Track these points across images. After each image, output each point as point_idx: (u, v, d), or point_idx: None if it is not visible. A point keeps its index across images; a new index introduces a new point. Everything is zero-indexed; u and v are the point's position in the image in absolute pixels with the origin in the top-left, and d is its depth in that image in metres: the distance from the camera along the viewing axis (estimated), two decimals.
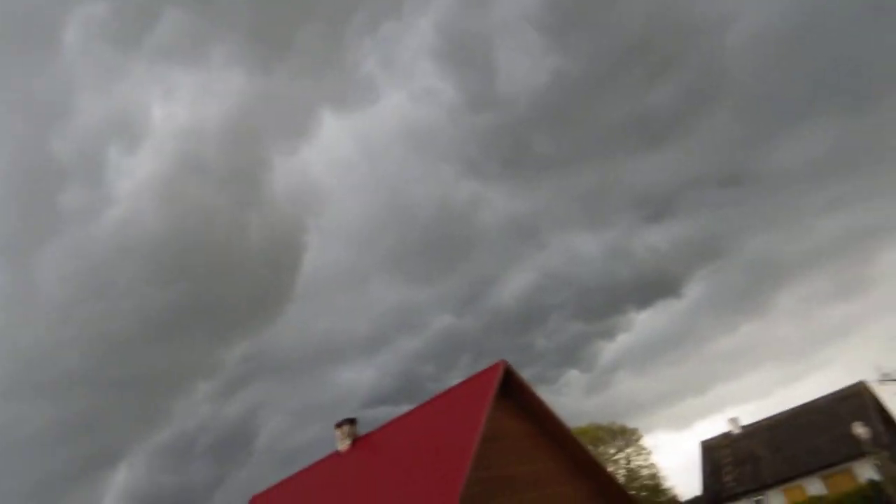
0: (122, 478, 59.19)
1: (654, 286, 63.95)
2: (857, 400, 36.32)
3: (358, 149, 68.16)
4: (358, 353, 66.98)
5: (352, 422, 25.90)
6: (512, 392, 22.58)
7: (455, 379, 58.58)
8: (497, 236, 65.60)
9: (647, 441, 50.28)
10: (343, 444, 25.64)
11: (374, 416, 55.93)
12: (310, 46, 65.16)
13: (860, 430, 31.49)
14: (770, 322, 66.38)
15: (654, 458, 49.21)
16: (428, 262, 66.30)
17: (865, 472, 32.83)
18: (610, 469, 34.10)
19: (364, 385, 61.92)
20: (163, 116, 64.82)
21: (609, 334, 72.52)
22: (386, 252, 66.71)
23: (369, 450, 24.82)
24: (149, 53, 64.07)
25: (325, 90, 69.67)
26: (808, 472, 35.07)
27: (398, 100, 68.62)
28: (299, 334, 66.03)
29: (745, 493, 36.95)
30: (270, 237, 63.12)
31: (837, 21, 55.16)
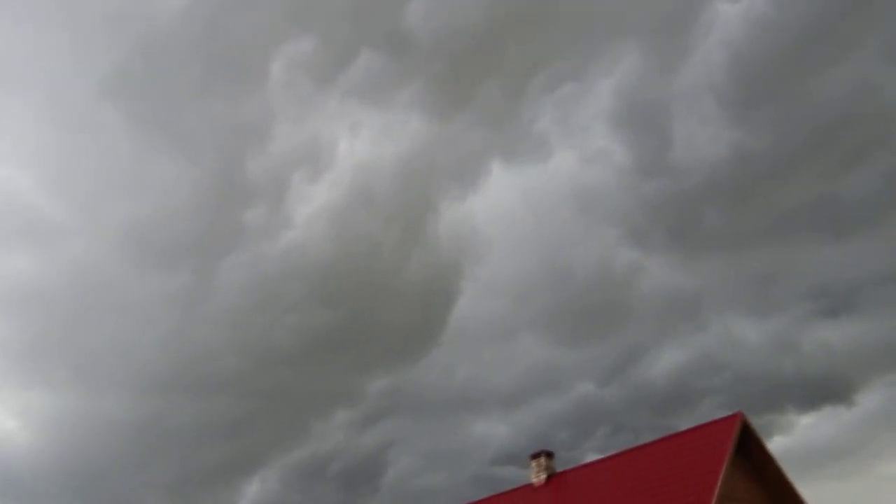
0: (254, 488, 59.56)
1: (822, 389, 58.86)
2: None
3: (523, 203, 67.65)
4: (495, 406, 65.39)
5: (549, 455, 24.28)
6: (746, 449, 20.39)
7: (589, 451, 56.00)
8: (654, 309, 62.78)
9: None
10: (538, 478, 24.01)
11: (501, 475, 53.93)
12: (490, 99, 65.72)
13: None
14: None
15: None
16: (579, 325, 64.22)
17: None
18: None
19: (496, 440, 60.05)
20: (345, 151, 66.89)
21: (764, 432, 67.42)
22: (538, 310, 65.21)
23: (568, 487, 23.08)
24: (342, 90, 66.59)
25: (498, 142, 69.92)
26: None
27: (569, 159, 67.82)
28: (441, 378, 65.24)
29: None
30: (428, 277, 63.15)
31: None
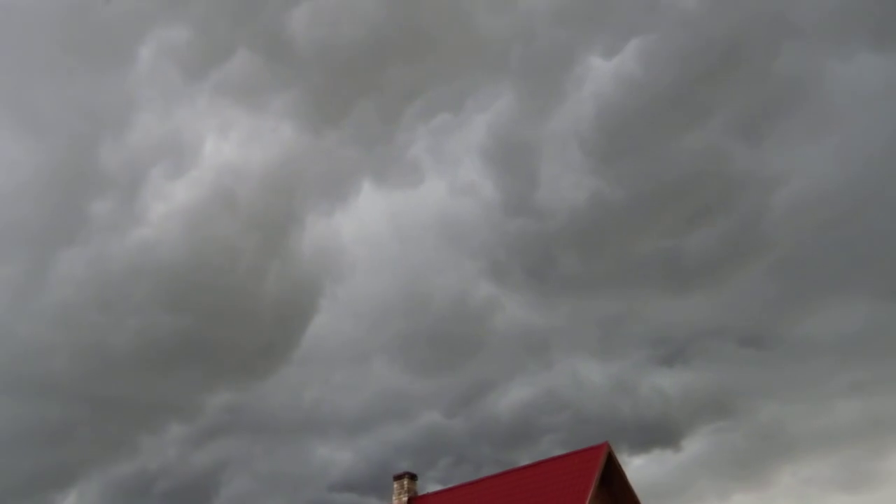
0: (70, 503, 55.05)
1: (654, 432, 62.05)
2: None
3: (390, 227, 67.53)
4: (340, 431, 64.11)
5: (413, 477, 23.89)
6: (608, 479, 20.90)
7: (430, 481, 56.05)
8: (505, 344, 64.08)
9: None
10: (399, 500, 23.53)
11: (340, 502, 52.95)
12: (365, 118, 65.41)
13: None
14: (765, 498, 64.27)
15: None
16: (431, 354, 64.47)
17: None
18: None
19: (338, 466, 58.80)
20: (211, 150, 64.39)
21: None
22: (392, 335, 64.88)
23: None
24: (213, 87, 64.22)
25: (370, 163, 69.64)
26: None
27: (439, 188, 68.54)
28: (287, 398, 63.22)
29: None
30: (285, 292, 61.34)
31: (887, 204, 56.21)
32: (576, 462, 20.77)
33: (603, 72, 62.18)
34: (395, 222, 66.37)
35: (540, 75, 64.78)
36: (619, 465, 20.97)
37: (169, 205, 61.60)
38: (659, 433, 63.51)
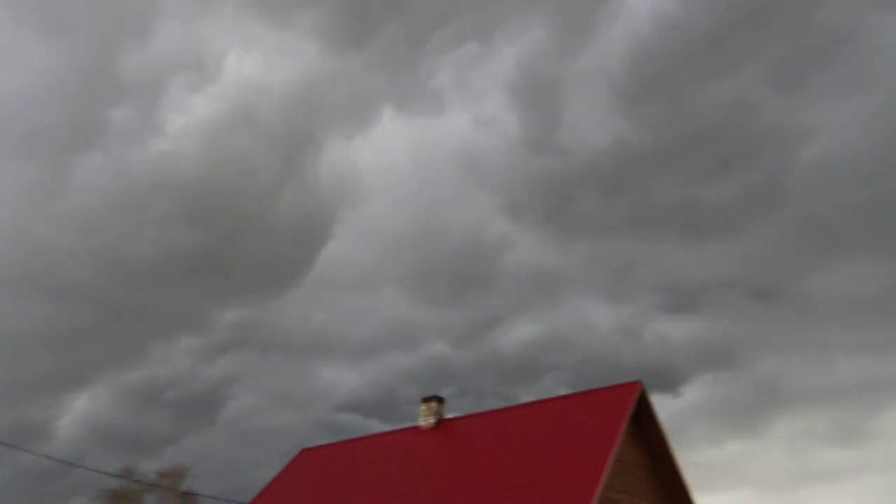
0: (81, 404, 56.08)
1: (655, 377, 62.78)
2: None
3: (409, 156, 66.99)
4: (347, 355, 64.83)
5: (440, 400, 24.22)
6: (637, 418, 21.15)
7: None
8: (516, 281, 64.34)
9: None
10: (426, 421, 23.90)
11: (344, 422, 53.92)
12: (391, 43, 64.28)
13: None
14: (760, 447, 65.37)
15: None
16: (442, 286, 64.74)
17: None
18: None
19: (343, 388, 59.68)
20: (233, 65, 63.39)
21: None
22: (405, 265, 65.06)
23: (457, 433, 23.12)
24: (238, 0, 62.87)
25: (393, 90, 68.70)
26: None
27: (461, 121, 67.78)
28: (298, 319, 63.77)
29: None
30: (301, 213, 61.31)
31: None
32: (608, 398, 20.97)
33: (638, 9, 60.83)
34: (415, 152, 65.96)
35: (571, 9, 63.41)
36: (650, 405, 21.19)
37: (188, 118, 61.15)
38: (659, 379, 64.10)
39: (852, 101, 58.13)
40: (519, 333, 61.93)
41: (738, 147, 58.10)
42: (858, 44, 57.47)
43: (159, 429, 57.05)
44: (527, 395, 65.07)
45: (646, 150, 59.67)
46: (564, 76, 62.52)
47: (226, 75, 63.18)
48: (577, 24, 62.82)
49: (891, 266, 57.10)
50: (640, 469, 21.02)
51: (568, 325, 62.56)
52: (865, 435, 62.13)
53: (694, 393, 59.90)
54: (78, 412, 55.64)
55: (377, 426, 52.39)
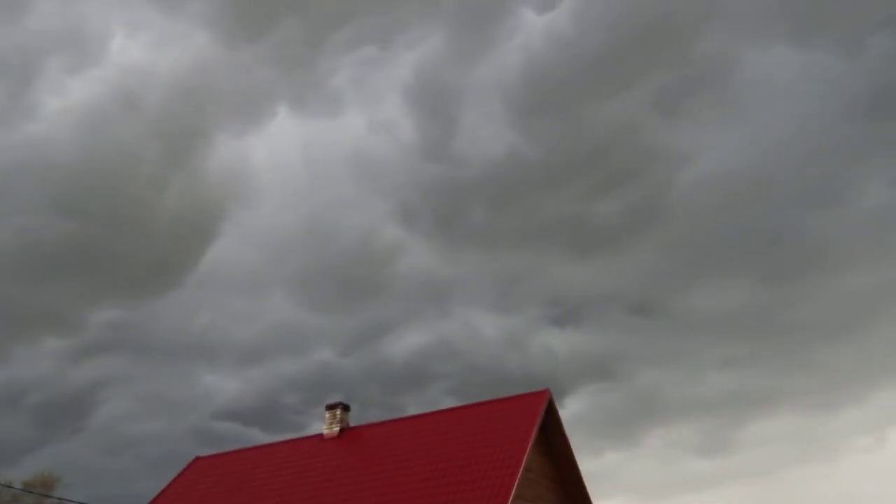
0: None
1: (539, 387, 63.94)
2: None
3: (303, 156, 65.76)
4: (230, 360, 62.78)
5: (346, 407, 23.70)
6: (546, 426, 21.40)
7: (316, 418, 56.01)
8: (406, 289, 64.31)
9: None
10: (330, 430, 23.31)
11: (222, 430, 52.32)
12: (289, 38, 63.05)
13: None
14: (634, 457, 68.11)
15: None
16: (331, 292, 63.77)
17: None
18: None
19: (223, 395, 57.75)
20: (117, 48, 60.39)
21: None
22: (294, 268, 63.65)
23: (362, 442, 22.68)
24: None
25: (288, 87, 67.32)
26: None
27: (357, 123, 67.27)
28: (178, 321, 61.09)
29: None
30: (186, 210, 58.84)
31: (781, 194, 59.58)
32: (516, 406, 21.13)
33: (534, 26, 62.21)
34: (309, 152, 64.71)
35: (471, 20, 64.13)
36: (557, 414, 21.49)
37: (65, 101, 57.68)
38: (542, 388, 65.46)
39: (728, 127, 61.60)
40: (407, 342, 61.78)
41: (624, 166, 60.24)
42: (733, 75, 61.02)
43: (18, 435, 53.31)
44: (413, 405, 64.96)
45: (537, 163, 61.02)
46: (461, 85, 63.09)
47: (108, 58, 60.08)
48: (475, 35, 63.59)
49: (755, 284, 60.82)
50: (545, 478, 21.26)
51: (456, 335, 62.97)
52: (732, 445, 65.78)
53: (576, 404, 61.51)
54: None
55: (258, 435, 50.78)
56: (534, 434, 19.75)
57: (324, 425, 23.53)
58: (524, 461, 18.87)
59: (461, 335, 63.22)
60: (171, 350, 61.31)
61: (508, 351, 63.36)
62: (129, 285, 57.92)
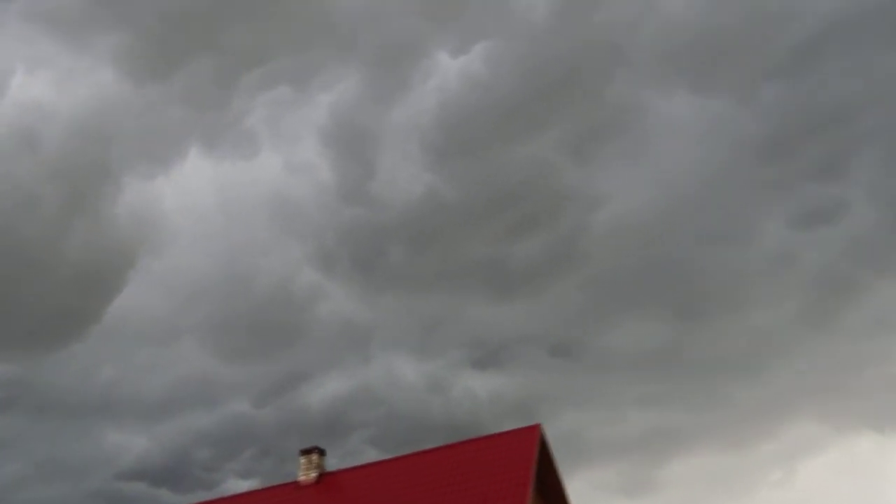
0: None
1: (462, 432, 63.53)
2: None
3: (216, 199, 63.49)
4: (136, 416, 59.02)
5: (321, 452, 22.48)
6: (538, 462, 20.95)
7: (230, 473, 53.70)
8: (325, 335, 62.70)
9: None
10: (307, 476, 22.02)
11: (128, 491, 49.19)
12: (199, 77, 61.31)
13: None
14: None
15: None
16: (245, 340, 61.21)
17: None
18: None
19: (129, 453, 54.12)
20: (18, 82, 56.90)
21: None
22: (206, 316, 60.77)
23: (342, 488, 21.51)
24: (24, 12, 56.93)
25: (199, 127, 65.16)
26: None
27: (273, 164, 65.68)
28: (79, 376, 56.85)
29: None
30: (91, 257, 55.29)
31: (688, 234, 62.12)
32: (508, 443, 20.62)
33: (448, 67, 62.91)
34: (222, 195, 62.37)
35: (387, 62, 64.26)
36: (549, 450, 21.11)
37: None
38: (467, 433, 65.01)
39: (637, 171, 63.92)
40: (327, 390, 59.92)
41: (540, 208, 61.25)
42: (639, 121, 63.61)
43: None
44: (333, 456, 62.74)
45: (454, 205, 61.21)
46: (377, 127, 62.78)
47: (5, 94, 56.36)
48: (390, 76, 63.70)
49: (670, 324, 62.80)
50: None
51: (377, 381, 61.60)
52: (653, 484, 66.88)
53: None
54: None
55: (166, 496, 47.87)
56: (533, 474, 19.29)
57: (299, 471, 22.20)
58: (529, 500, 18.37)
59: (382, 381, 61.93)
60: (72, 407, 56.95)
61: (431, 396, 62.54)
62: (27, 337, 53.56)
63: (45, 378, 55.48)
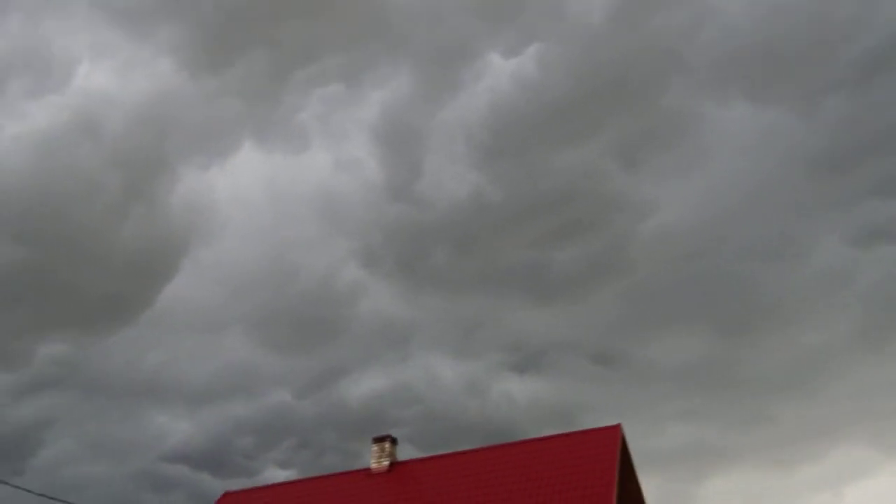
0: None
1: (498, 436, 62.95)
2: None
3: (267, 192, 63.69)
4: (181, 401, 59.27)
5: (394, 441, 22.19)
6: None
7: (269, 462, 53.66)
8: (365, 332, 62.47)
9: None
10: (378, 464, 21.74)
11: (169, 473, 49.20)
12: (255, 70, 61.53)
13: None
14: None
15: None
16: (289, 332, 61.30)
17: None
18: None
19: (173, 437, 54.33)
20: (83, 71, 57.51)
21: None
22: (252, 307, 60.89)
23: (415, 478, 21.18)
24: (92, 1, 57.56)
25: (254, 120, 65.42)
26: None
27: (323, 159, 65.73)
28: (129, 360, 57.25)
29: None
30: (145, 244, 55.68)
31: (738, 248, 60.96)
32: (589, 441, 20.16)
33: (501, 69, 62.57)
34: (272, 188, 62.64)
35: (439, 62, 64.12)
36: (628, 450, 20.64)
37: (23, 125, 54.24)
38: (502, 437, 64.43)
39: (688, 180, 63.00)
40: (365, 386, 59.75)
41: (585, 214, 60.61)
42: (694, 129, 62.75)
43: None
44: (369, 451, 62.55)
45: (499, 207, 60.75)
46: (427, 125, 62.63)
47: (72, 81, 57.02)
48: (442, 76, 63.57)
49: (715, 338, 61.79)
50: None
51: (415, 380, 61.33)
52: (692, 500, 65.74)
53: None
54: None
55: (207, 479, 47.77)
56: (617, 470, 18.82)
57: (371, 459, 21.90)
58: (615, 497, 17.90)
59: (420, 380, 61.65)
60: (121, 389, 57.28)
61: (468, 398, 62.11)
62: (80, 319, 54.02)
63: (96, 360, 55.89)
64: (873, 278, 55.48)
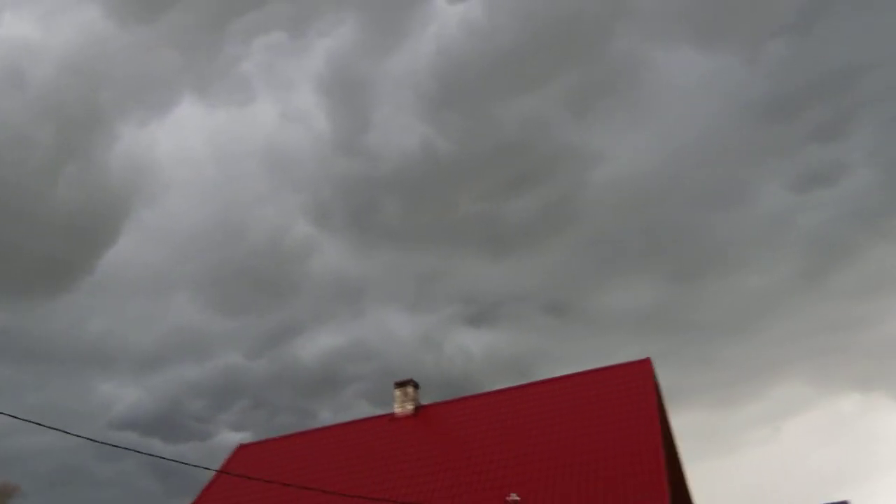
0: None
1: (454, 388, 63.11)
2: None
3: (210, 147, 61.03)
4: (129, 366, 56.97)
5: (416, 385, 21.55)
6: None
7: (222, 425, 52.44)
8: (318, 288, 61.27)
9: None
10: (403, 408, 21.09)
11: (119, 440, 47.36)
12: (190, 20, 58.61)
13: None
14: None
15: None
16: (238, 291, 59.42)
17: None
18: None
19: (121, 403, 52.38)
20: (5, 19, 53.44)
21: None
22: (199, 267, 58.66)
23: (444, 420, 20.65)
24: None
25: (192, 73, 62.33)
26: None
27: (269, 112, 63.38)
28: (72, 327, 54.49)
29: None
30: (84, 205, 52.67)
31: (686, 195, 61.91)
32: (622, 375, 20.01)
33: (448, 15, 61.30)
34: (216, 142, 59.98)
35: (385, 9, 62.34)
36: (658, 385, 20.56)
37: None
38: (458, 390, 64.57)
39: (637, 128, 63.50)
40: (320, 343, 58.70)
41: (536, 165, 60.46)
42: (642, 76, 63.05)
43: None
44: (326, 408, 61.71)
45: (450, 159, 60.01)
46: (374, 75, 60.97)
47: None
48: (388, 23, 61.86)
49: (665, 285, 63.03)
50: None
51: (370, 335, 60.56)
52: None
53: None
54: None
55: (158, 445, 46.25)
56: (656, 400, 18.74)
57: (395, 404, 21.23)
58: (660, 425, 17.80)
59: (375, 336, 60.93)
60: (63, 357, 54.56)
61: (424, 352, 61.76)
62: (16, 285, 50.87)
63: (35, 327, 53.08)
64: (813, 222, 57.40)
